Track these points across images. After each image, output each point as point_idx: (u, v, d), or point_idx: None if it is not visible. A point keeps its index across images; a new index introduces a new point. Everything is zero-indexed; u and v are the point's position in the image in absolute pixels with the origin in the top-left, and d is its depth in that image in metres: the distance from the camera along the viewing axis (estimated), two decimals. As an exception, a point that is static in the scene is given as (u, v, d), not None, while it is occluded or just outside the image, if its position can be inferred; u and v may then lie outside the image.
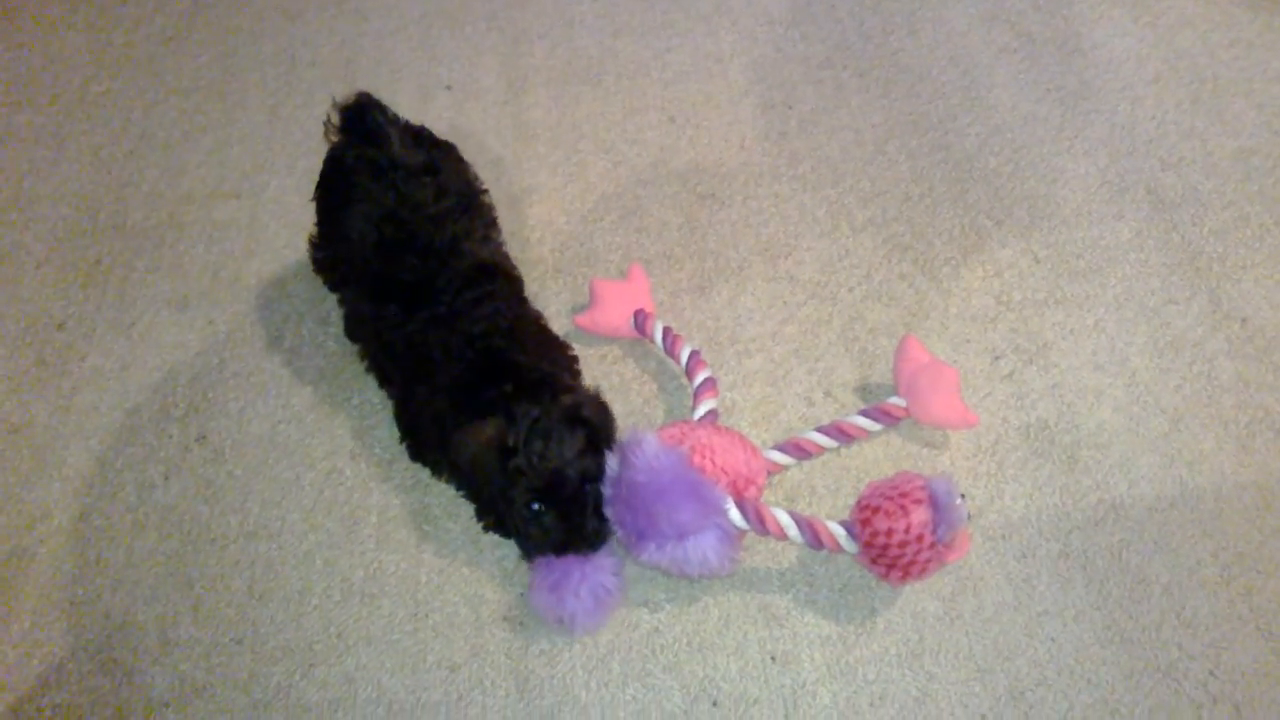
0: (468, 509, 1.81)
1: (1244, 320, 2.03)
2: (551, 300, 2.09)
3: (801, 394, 1.96)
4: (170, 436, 1.93)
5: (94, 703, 1.64)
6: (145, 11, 2.74)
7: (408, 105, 1.98)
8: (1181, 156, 2.31)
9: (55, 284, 2.16)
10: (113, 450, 1.92)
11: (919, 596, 1.70)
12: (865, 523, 1.59)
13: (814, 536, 1.64)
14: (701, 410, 1.81)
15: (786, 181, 2.30)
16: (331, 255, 1.97)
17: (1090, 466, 1.85)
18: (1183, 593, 1.70)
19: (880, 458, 1.86)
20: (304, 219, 2.03)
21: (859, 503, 1.64)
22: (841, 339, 2.03)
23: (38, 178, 2.36)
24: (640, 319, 1.96)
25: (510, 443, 1.56)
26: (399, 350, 1.76)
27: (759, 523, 1.63)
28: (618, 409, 1.91)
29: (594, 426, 1.61)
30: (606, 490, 1.63)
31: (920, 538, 1.55)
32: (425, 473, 1.85)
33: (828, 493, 1.82)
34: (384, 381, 1.88)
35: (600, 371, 1.98)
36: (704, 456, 1.64)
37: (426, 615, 1.71)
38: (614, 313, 1.98)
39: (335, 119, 1.88)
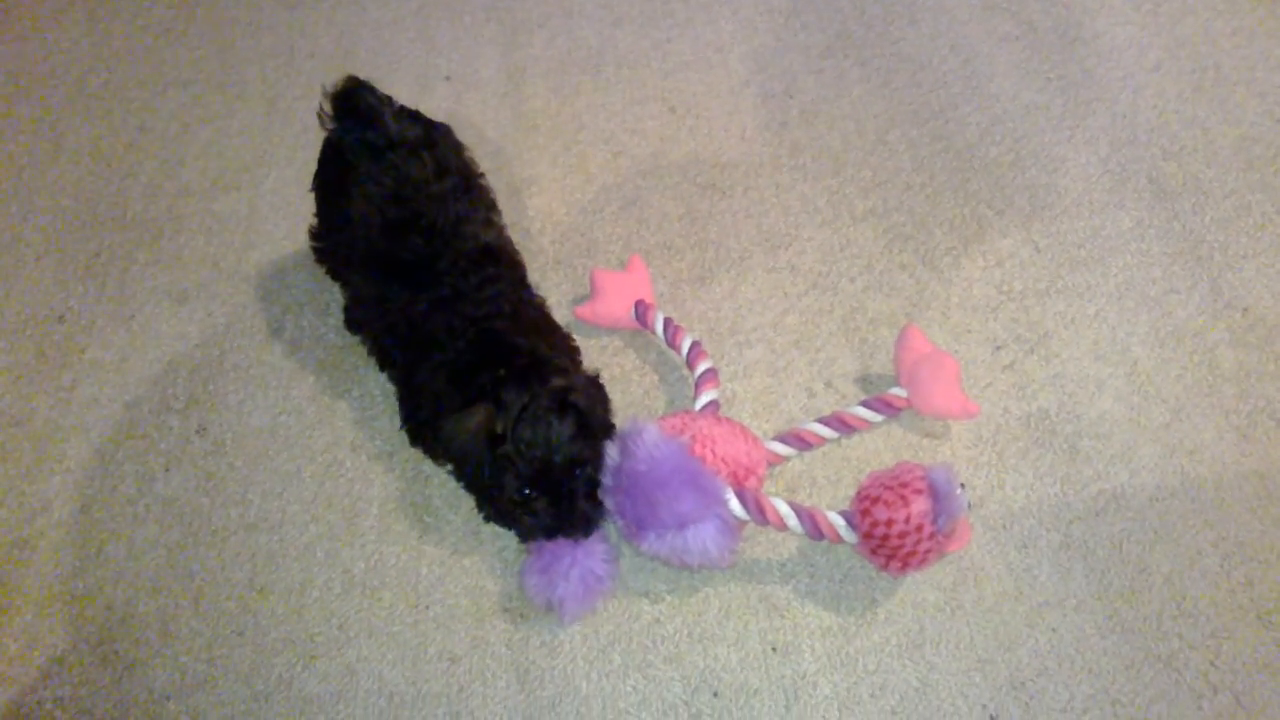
0: (468, 501, 1.81)
1: (1245, 310, 2.03)
2: (552, 291, 2.08)
3: (802, 384, 1.95)
4: (170, 429, 1.93)
5: (95, 695, 1.64)
6: (144, 3, 2.74)
7: (407, 96, 1.97)
8: (1183, 145, 2.31)
9: (55, 276, 2.16)
10: (113, 442, 1.92)
11: (919, 587, 1.70)
12: (865, 513, 1.59)
13: (814, 527, 1.64)
14: (702, 401, 1.81)
15: (787, 171, 2.29)
16: (333, 244, 1.97)
17: (1091, 456, 1.85)
18: (1183, 583, 1.70)
19: (881, 448, 1.86)
20: (304, 210, 2.02)
21: (859, 493, 1.64)
22: (842, 329, 2.02)
23: (37, 170, 2.36)
24: (641, 310, 1.96)
25: (499, 429, 1.55)
26: (402, 331, 1.76)
27: (759, 513, 1.63)
28: (618, 400, 1.92)
29: (584, 411, 1.60)
30: (607, 480, 1.63)
31: (920, 528, 1.55)
32: (426, 464, 1.85)
33: (828, 483, 1.82)
34: (386, 364, 1.87)
35: (601, 362, 1.98)
36: (705, 447, 1.64)
37: (427, 607, 1.71)
38: (615, 304, 1.97)
39: (328, 108, 1.87)
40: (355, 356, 1.99)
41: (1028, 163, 2.29)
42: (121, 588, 1.75)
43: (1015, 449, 1.86)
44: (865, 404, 1.84)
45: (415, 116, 1.89)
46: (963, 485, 1.59)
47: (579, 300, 2.05)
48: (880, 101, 2.42)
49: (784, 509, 1.65)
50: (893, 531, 1.56)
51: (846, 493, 1.79)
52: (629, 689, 1.63)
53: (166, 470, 1.88)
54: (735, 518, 1.61)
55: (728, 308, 2.06)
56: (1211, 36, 2.52)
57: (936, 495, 1.56)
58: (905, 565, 1.60)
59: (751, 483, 1.67)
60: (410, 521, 1.80)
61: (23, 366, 2.03)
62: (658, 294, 2.07)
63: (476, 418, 1.56)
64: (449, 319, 1.70)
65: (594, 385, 1.68)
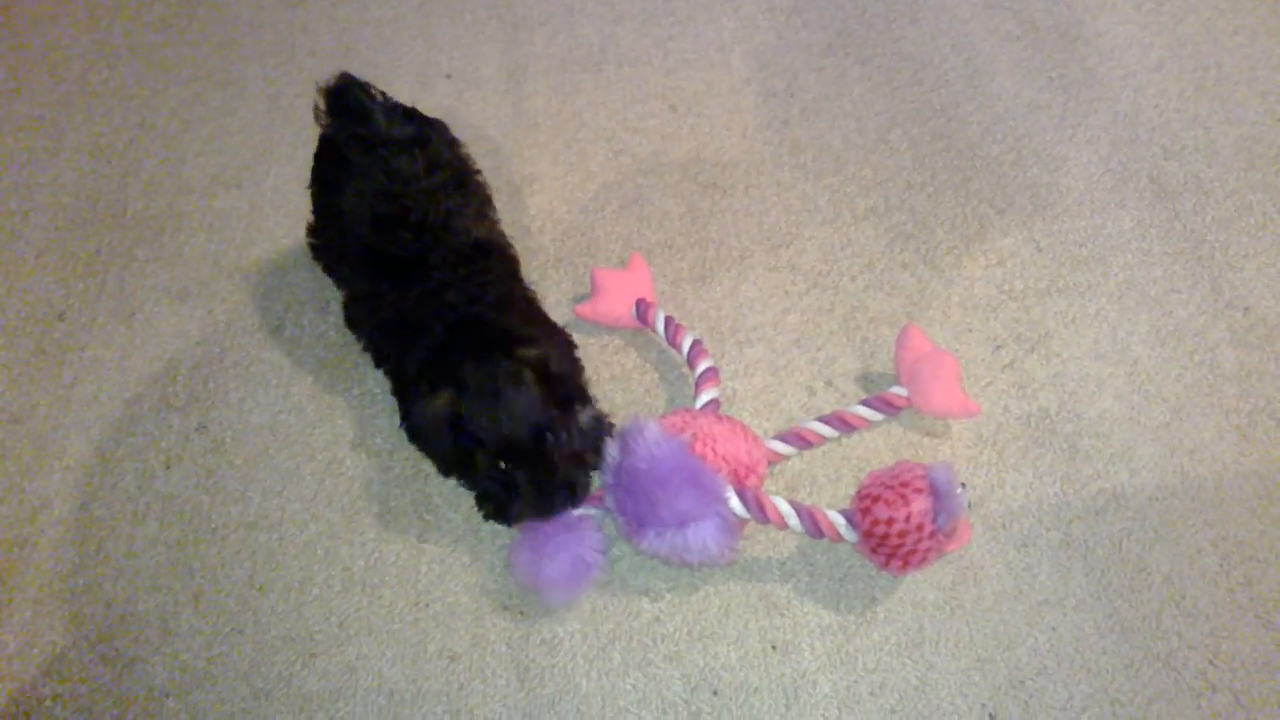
0: (469, 499, 1.80)
1: (1246, 309, 2.03)
2: (553, 290, 2.08)
3: (803, 383, 1.95)
4: (171, 426, 1.93)
5: (95, 692, 1.64)
6: (145, 1, 2.73)
7: (407, 94, 1.98)
8: (1184, 145, 2.30)
9: (55, 273, 2.16)
10: (113, 440, 1.92)
11: (919, 586, 1.70)
12: (865, 512, 1.59)
13: (814, 525, 1.64)
14: (703, 399, 1.81)
15: (788, 170, 2.29)
16: (328, 240, 1.97)
17: (1091, 456, 1.85)
18: (1183, 582, 1.70)
19: (881, 447, 1.86)
20: (304, 208, 2.02)
21: (859, 492, 1.64)
22: (843, 328, 2.02)
23: (37, 167, 2.36)
24: (642, 308, 1.96)
25: (461, 411, 1.56)
26: (392, 327, 1.76)
27: (759, 511, 1.63)
28: (619, 398, 1.92)
29: (544, 376, 1.59)
30: (607, 478, 1.64)
31: (920, 527, 1.55)
32: (426, 462, 1.85)
33: (828, 482, 1.82)
34: (380, 361, 1.87)
35: (602, 361, 1.98)
36: (705, 445, 1.64)
37: (427, 605, 1.71)
38: (615, 302, 1.97)
39: (323, 104, 1.88)
40: (355, 355, 1.98)
41: (1029, 162, 2.29)
42: (121, 585, 1.75)
43: (1015, 448, 1.86)
44: (866, 403, 1.84)
45: (409, 114, 1.89)
46: (963, 484, 1.59)
47: (580, 299, 2.05)
48: (881, 100, 2.42)
49: (784, 507, 1.65)
50: (893, 530, 1.56)
51: (847, 491, 1.79)
52: (629, 687, 1.63)
53: (167, 468, 1.88)
54: (735, 516, 1.61)
55: (728, 306, 2.06)
56: (1213, 35, 2.52)
57: (937, 494, 1.56)
58: (905, 564, 1.60)
59: (752, 481, 1.67)
60: (410, 519, 1.80)
61: (23, 364, 2.03)
62: (658, 292, 2.07)
63: (437, 403, 1.57)
64: (435, 309, 1.70)
65: (562, 350, 1.67)
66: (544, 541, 1.63)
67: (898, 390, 1.84)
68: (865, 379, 1.96)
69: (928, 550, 1.58)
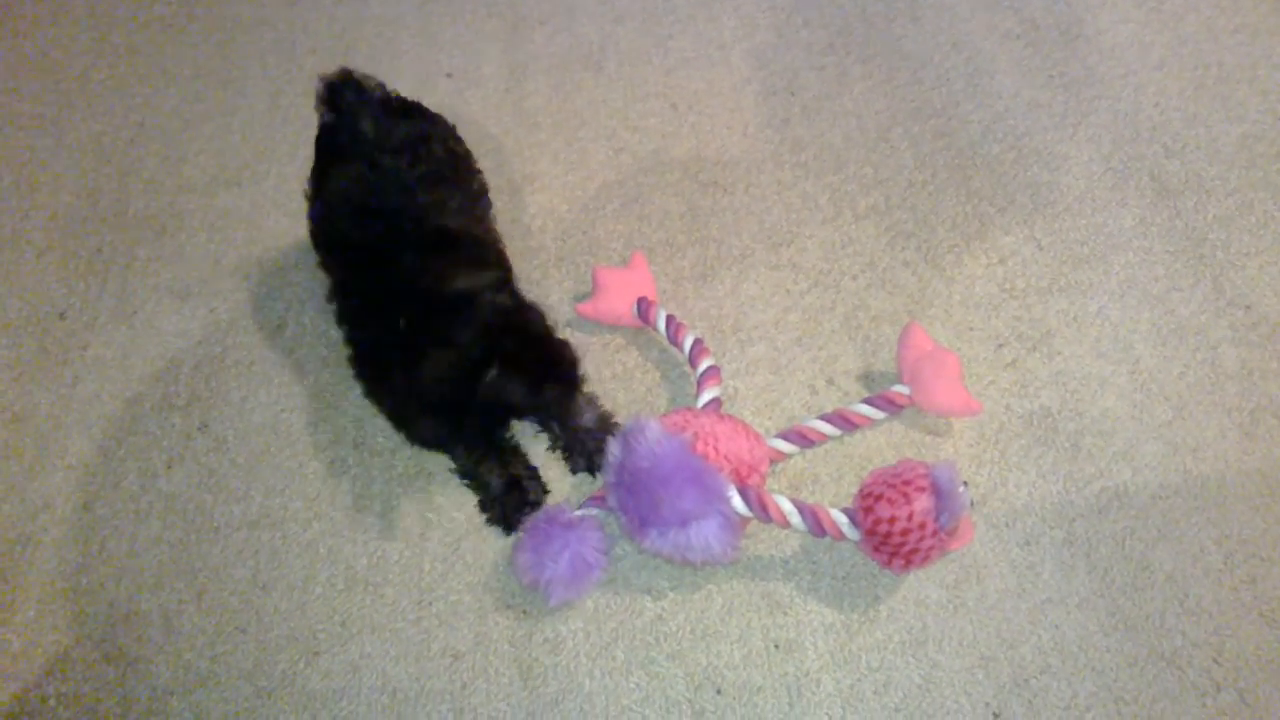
0: (472, 498, 1.81)
1: (1248, 307, 2.03)
2: (554, 289, 2.08)
3: (804, 382, 1.95)
4: (173, 425, 1.93)
5: (98, 691, 1.64)
6: (145, 0, 2.74)
7: (408, 93, 1.98)
8: (1185, 143, 2.30)
9: (57, 273, 2.16)
10: (115, 439, 1.92)
11: (922, 584, 1.70)
12: (868, 510, 1.59)
13: (816, 524, 1.64)
14: (705, 398, 1.81)
15: (789, 169, 2.29)
16: (320, 225, 1.98)
17: (1093, 454, 1.85)
18: (1186, 580, 1.70)
19: (883, 445, 1.86)
20: (305, 207, 2.02)
21: (862, 490, 1.64)
22: (844, 326, 2.02)
23: (38, 166, 2.36)
24: (643, 307, 1.96)
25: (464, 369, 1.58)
26: (360, 312, 1.79)
27: (762, 510, 1.63)
28: (621, 397, 1.92)
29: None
30: (609, 477, 1.64)
31: (923, 525, 1.55)
32: (429, 461, 1.85)
33: (831, 480, 1.82)
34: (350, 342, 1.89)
35: (603, 360, 1.98)
36: (707, 444, 1.64)
37: (430, 603, 1.71)
38: (617, 301, 1.97)
39: (322, 95, 1.90)
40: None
41: (1030, 160, 2.29)
42: (124, 584, 1.75)
43: (1018, 446, 1.86)
44: (868, 401, 1.84)
45: (406, 109, 1.92)
46: (965, 483, 1.59)
47: (581, 297, 2.05)
48: (882, 99, 2.42)
49: (787, 506, 1.65)
50: (895, 529, 1.56)
51: (849, 490, 1.79)
52: (632, 686, 1.63)
53: (169, 467, 1.88)
54: (738, 515, 1.61)
55: (730, 305, 2.06)
56: (1214, 34, 2.52)
57: (939, 493, 1.56)
58: (908, 563, 1.60)
59: (754, 480, 1.67)
60: (413, 518, 1.80)
61: (24, 363, 2.02)
62: (660, 291, 2.07)
63: (441, 367, 1.58)
64: (398, 292, 1.72)
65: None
66: (547, 541, 1.64)
67: (900, 388, 1.84)
68: (867, 377, 1.96)
69: (930, 549, 1.58)
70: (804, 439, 1.81)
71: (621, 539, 1.75)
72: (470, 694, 1.63)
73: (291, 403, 1.95)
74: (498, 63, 2.53)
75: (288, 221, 2.21)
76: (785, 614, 1.68)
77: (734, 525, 1.59)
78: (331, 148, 1.89)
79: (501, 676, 1.64)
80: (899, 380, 1.88)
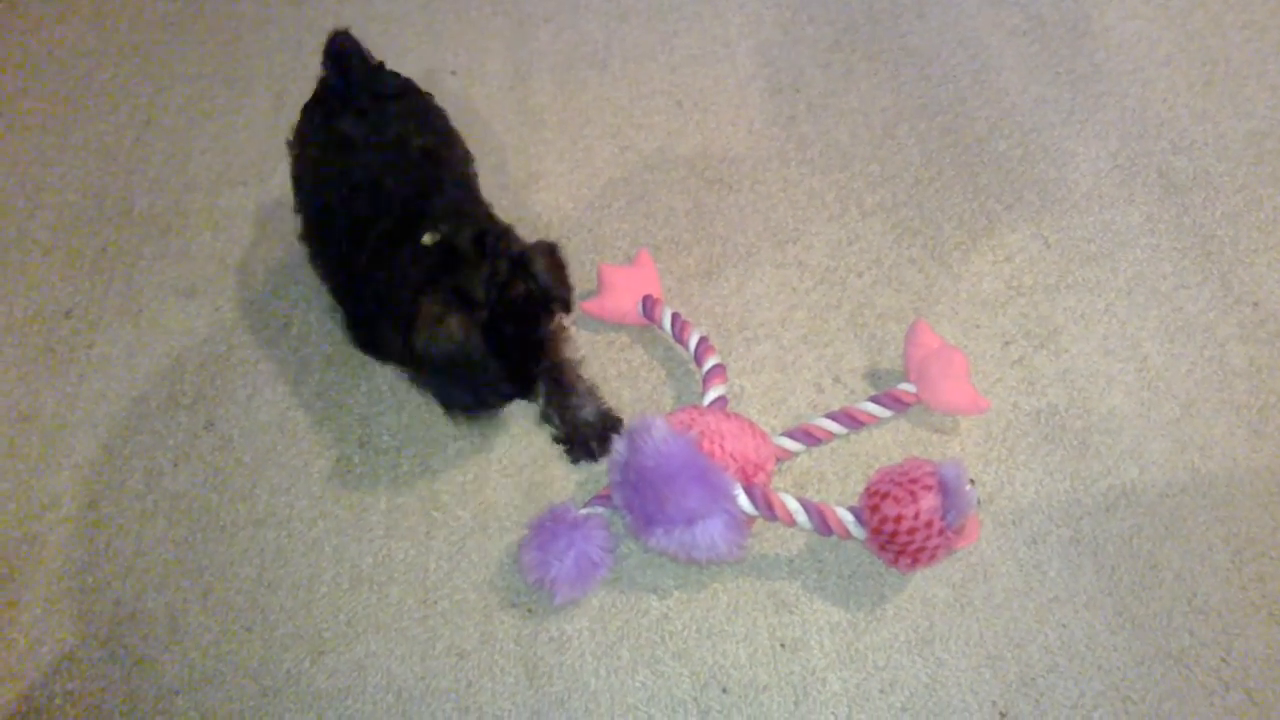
0: (478, 496, 1.81)
1: (1256, 304, 2.02)
2: (559, 286, 2.08)
3: (811, 380, 1.95)
4: (178, 424, 1.93)
5: (104, 690, 1.64)
6: (150, -2, 2.74)
7: (413, 91, 1.99)
8: (1193, 139, 2.29)
9: (62, 272, 2.16)
10: (121, 438, 1.92)
11: (929, 583, 1.70)
12: (874, 509, 1.59)
13: (823, 523, 1.64)
14: (710, 396, 1.81)
15: (795, 166, 2.29)
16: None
17: (1101, 452, 1.84)
18: (1194, 579, 1.69)
19: (890, 444, 1.86)
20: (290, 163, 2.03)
21: (868, 489, 1.63)
22: (851, 324, 2.02)
23: (44, 165, 2.36)
24: (649, 305, 1.95)
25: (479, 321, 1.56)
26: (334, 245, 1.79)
27: (767, 509, 1.63)
28: (627, 395, 1.92)
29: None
30: (615, 475, 1.64)
31: (930, 524, 1.55)
32: (434, 459, 1.85)
33: (837, 479, 1.82)
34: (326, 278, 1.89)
35: (609, 358, 1.98)
36: (713, 442, 1.63)
37: (435, 602, 1.71)
38: (622, 299, 1.97)
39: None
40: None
41: (1037, 157, 2.28)
42: (130, 583, 1.75)
43: (1025, 444, 1.85)
44: (874, 399, 1.84)
45: (380, 94, 1.92)
46: (972, 481, 1.58)
47: (586, 295, 2.04)
48: (888, 96, 2.41)
49: (793, 505, 1.65)
50: (902, 528, 1.56)
51: (855, 488, 1.78)
52: (638, 685, 1.62)
53: (174, 465, 1.88)
54: (743, 513, 1.61)
55: (735, 303, 2.06)
56: (1222, 30, 2.51)
57: (946, 491, 1.55)
58: (914, 561, 1.60)
59: (760, 478, 1.67)
60: (418, 517, 1.80)
61: (30, 362, 2.03)
62: (665, 289, 2.06)
63: (452, 325, 1.54)
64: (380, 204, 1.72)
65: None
66: (552, 539, 1.63)
67: (906, 387, 1.84)
68: (873, 375, 1.95)
69: (937, 547, 1.58)
70: (810, 437, 1.81)
71: (627, 537, 1.75)
72: (475, 692, 1.62)
73: (297, 401, 1.95)
74: (502, 60, 2.53)
75: (293, 220, 2.20)
76: (791, 613, 1.68)
77: (740, 524, 1.58)
78: (329, 103, 1.91)
79: (507, 675, 1.64)
80: (905, 378, 1.88)
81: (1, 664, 1.67)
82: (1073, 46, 2.50)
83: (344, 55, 1.92)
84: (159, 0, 2.72)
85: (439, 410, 1.91)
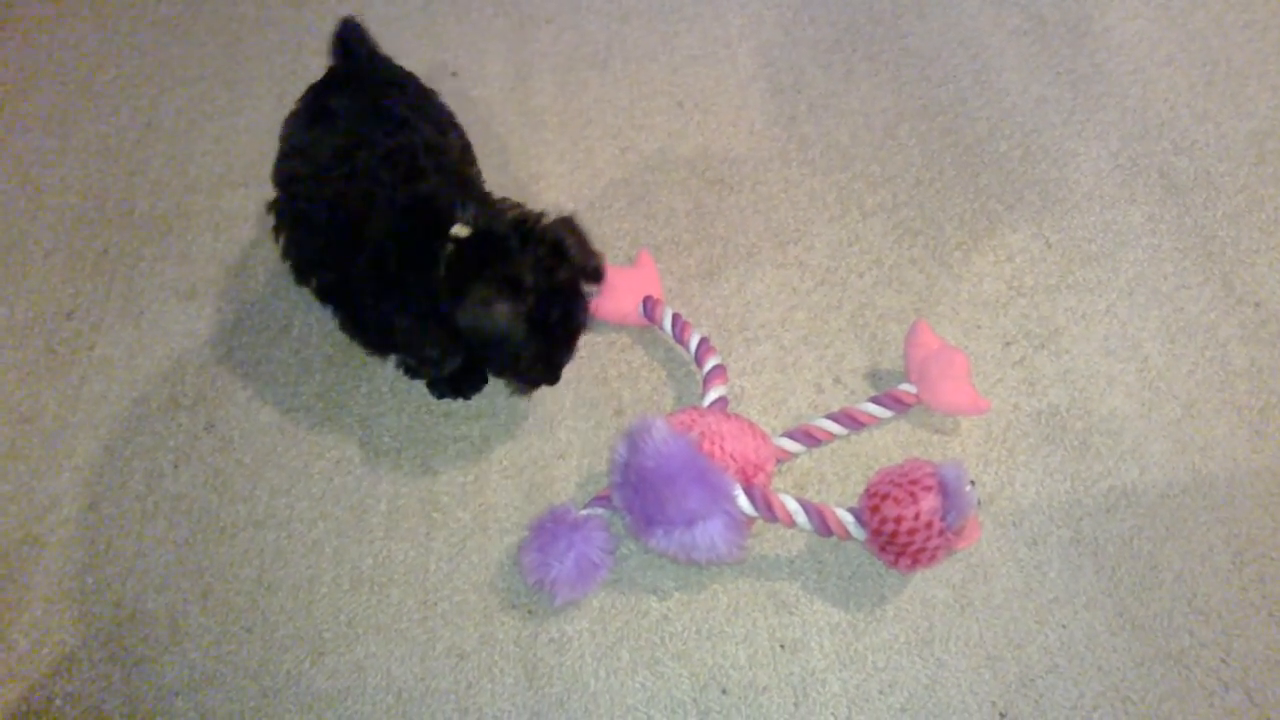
0: (478, 497, 1.81)
1: (1258, 304, 2.02)
2: (559, 287, 2.08)
3: (811, 381, 1.95)
4: (179, 425, 1.93)
5: (104, 691, 1.65)
6: (150, 0, 2.74)
7: (414, 92, 1.99)
8: (1194, 140, 2.29)
9: (63, 273, 2.16)
10: (121, 439, 1.92)
11: (929, 584, 1.70)
12: (874, 510, 1.59)
13: (822, 523, 1.64)
14: (711, 397, 1.81)
15: (796, 166, 2.28)
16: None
17: (1102, 452, 1.84)
18: (1194, 579, 1.69)
19: (890, 444, 1.86)
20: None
21: (868, 490, 1.63)
22: (851, 325, 2.02)
23: (44, 167, 2.36)
24: (649, 306, 1.95)
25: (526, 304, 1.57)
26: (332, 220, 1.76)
27: (767, 510, 1.63)
28: (627, 396, 1.92)
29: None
30: (615, 476, 1.63)
31: (930, 525, 1.55)
32: (435, 460, 1.85)
33: (837, 480, 1.82)
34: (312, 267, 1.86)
35: (609, 359, 1.98)
36: (713, 443, 1.63)
37: (435, 604, 1.71)
38: (622, 300, 1.97)
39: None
40: (364, 354, 1.99)
41: (1038, 157, 2.28)
42: (130, 584, 1.75)
43: (1025, 445, 1.85)
44: (874, 400, 1.84)
45: (381, 81, 1.93)
46: (972, 482, 1.58)
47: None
48: (889, 96, 2.41)
49: (792, 505, 1.65)
50: (902, 528, 1.56)
51: (855, 489, 1.78)
52: (637, 686, 1.62)
53: (175, 467, 1.88)
54: (743, 514, 1.61)
55: (736, 303, 2.05)
56: (1223, 30, 2.51)
57: (946, 492, 1.55)
58: (914, 562, 1.60)
59: (760, 479, 1.67)
60: (419, 518, 1.80)
61: (31, 363, 2.03)
62: (666, 290, 2.06)
63: (501, 306, 1.55)
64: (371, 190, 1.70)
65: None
66: (552, 540, 1.63)
67: (907, 387, 1.84)
68: (874, 376, 1.95)
69: (937, 548, 1.57)
70: (810, 438, 1.81)
71: (627, 538, 1.75)
72: (475, 694, 1.62)
73: (298, 402, 1.95)
74: (503, 61, 2.53)
75: (294, 221, 2.21)
76: (791, 614, 1.68)
77: (740, 525, 1.58)
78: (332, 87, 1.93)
79: (507, 676, 1.64)
80: (906, 379, 1.88)
81: (1, 665, 1.68)
82: (1074, 47, 2.50)
83: (350, 42, 1.96)
84: (160, 2, 2.73)
85: (438, 410, 1.91)
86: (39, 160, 2.37)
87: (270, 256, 2.16)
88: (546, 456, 1.86)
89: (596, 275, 1.70)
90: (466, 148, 1.97)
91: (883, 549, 1.61)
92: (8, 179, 2.34)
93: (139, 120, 2.45)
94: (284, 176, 1.87)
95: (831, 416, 1.83)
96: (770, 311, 2.04)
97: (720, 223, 2.19)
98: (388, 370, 1.96)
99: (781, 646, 1.65)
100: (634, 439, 1.59)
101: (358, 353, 1.99)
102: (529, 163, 2.31)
